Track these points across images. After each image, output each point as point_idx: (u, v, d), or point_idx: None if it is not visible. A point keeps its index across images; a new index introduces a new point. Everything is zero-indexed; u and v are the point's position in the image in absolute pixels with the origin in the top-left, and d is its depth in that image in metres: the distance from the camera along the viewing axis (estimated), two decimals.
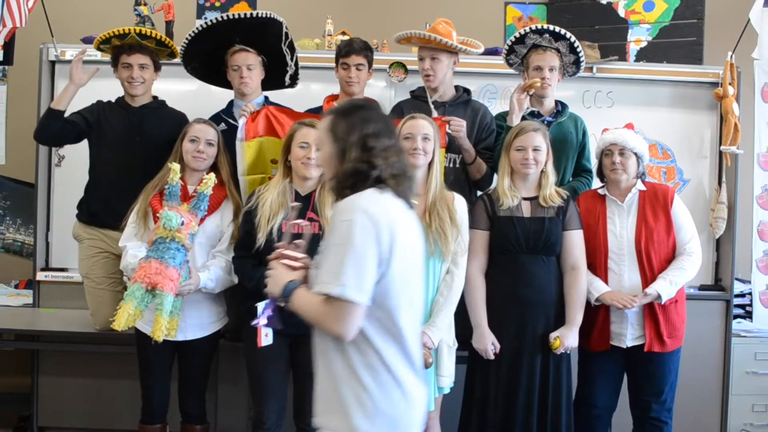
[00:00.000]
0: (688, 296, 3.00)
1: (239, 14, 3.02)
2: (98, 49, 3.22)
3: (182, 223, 2.49)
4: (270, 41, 3.10)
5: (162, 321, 2.45)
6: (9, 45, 3.65)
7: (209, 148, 2.78)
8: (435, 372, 2.64)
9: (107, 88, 3.27)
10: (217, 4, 3.85)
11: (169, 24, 3.68)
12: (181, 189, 2.68)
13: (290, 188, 2.65)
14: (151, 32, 3.15)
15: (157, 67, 3.16)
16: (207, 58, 3.17)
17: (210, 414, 3.07)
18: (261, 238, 2.55)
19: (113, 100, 3.21)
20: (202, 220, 2.68)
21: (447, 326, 2.66)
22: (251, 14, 3.03)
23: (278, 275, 1.81)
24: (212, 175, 2.65)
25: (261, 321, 2.39)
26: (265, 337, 2.48)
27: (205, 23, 3.03)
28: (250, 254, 2.60)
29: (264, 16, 3.04)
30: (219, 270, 2.72)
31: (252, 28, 3.05)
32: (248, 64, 3.07)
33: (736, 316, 3.79)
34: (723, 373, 3.68)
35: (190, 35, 3.07)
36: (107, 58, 3.24)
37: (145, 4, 3.61)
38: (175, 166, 2.60)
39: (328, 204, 2.52)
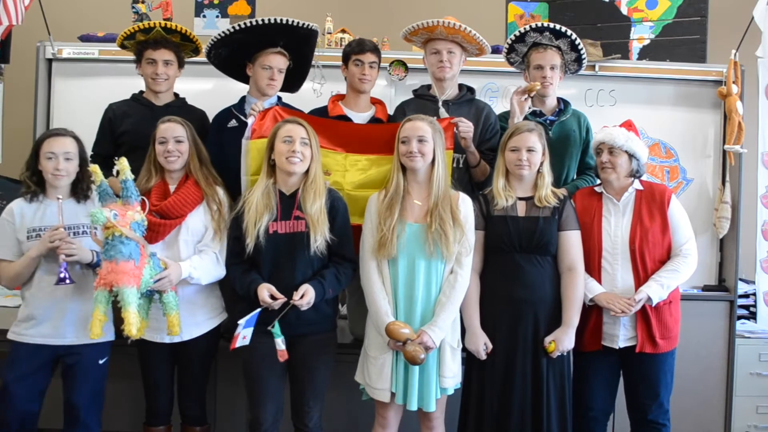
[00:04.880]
0: (692, 297, 2.97)
1: (296, 21, 3.01)
2: (121, 45, 3.20)
3: (115, 216, 2.44)
4: (305, 50, 3.13)
5: (129, 315, 2.40)
6: (5, 43, 3.63)
7: (179, 146, 2.76)
8: (437, 372, 2.60)
9: (108, 86, 3.25)
10: (216, 1, 3.83)
11: (166, 21, 3.66)
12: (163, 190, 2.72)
13: (274, 189, 2.63)
14: (176, 26, 3.15)
15: (180, 64, 3.16)
16: (233, 51, 3.12)
17: (210, 415, 3.04)
18: (250, 244, 2.56)
19: (130, 98, 3.18)
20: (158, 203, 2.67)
21: (450, 326, 2.62)
22: (305, 24, 3.04)
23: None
24: (122, 159, 2.53)
25: (243, 330, 2.41)
26: (242, 339, 2.49)
27: (260, 20, 3.00)
28: (241, 260, 2.62)
29: (311, 27, 3.06)
30: (206, 260, 2.70)
31: (296, 34, 3.05)
32: (280, 68, 3.08)
33: (740, 317, 3.77)
34: (727, 374, 3.66)
35: (238, 26, 3.01)
36: (105, 56, 3.20)
37: (143, 2, 3.58)
38: (93, 167, 2.54)
39: (309, 201, 2.55)
